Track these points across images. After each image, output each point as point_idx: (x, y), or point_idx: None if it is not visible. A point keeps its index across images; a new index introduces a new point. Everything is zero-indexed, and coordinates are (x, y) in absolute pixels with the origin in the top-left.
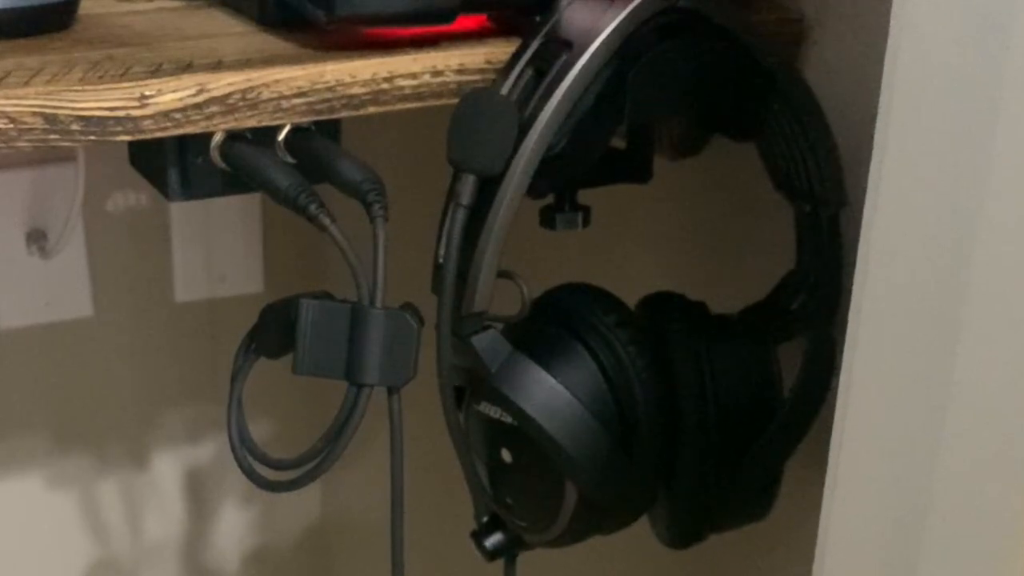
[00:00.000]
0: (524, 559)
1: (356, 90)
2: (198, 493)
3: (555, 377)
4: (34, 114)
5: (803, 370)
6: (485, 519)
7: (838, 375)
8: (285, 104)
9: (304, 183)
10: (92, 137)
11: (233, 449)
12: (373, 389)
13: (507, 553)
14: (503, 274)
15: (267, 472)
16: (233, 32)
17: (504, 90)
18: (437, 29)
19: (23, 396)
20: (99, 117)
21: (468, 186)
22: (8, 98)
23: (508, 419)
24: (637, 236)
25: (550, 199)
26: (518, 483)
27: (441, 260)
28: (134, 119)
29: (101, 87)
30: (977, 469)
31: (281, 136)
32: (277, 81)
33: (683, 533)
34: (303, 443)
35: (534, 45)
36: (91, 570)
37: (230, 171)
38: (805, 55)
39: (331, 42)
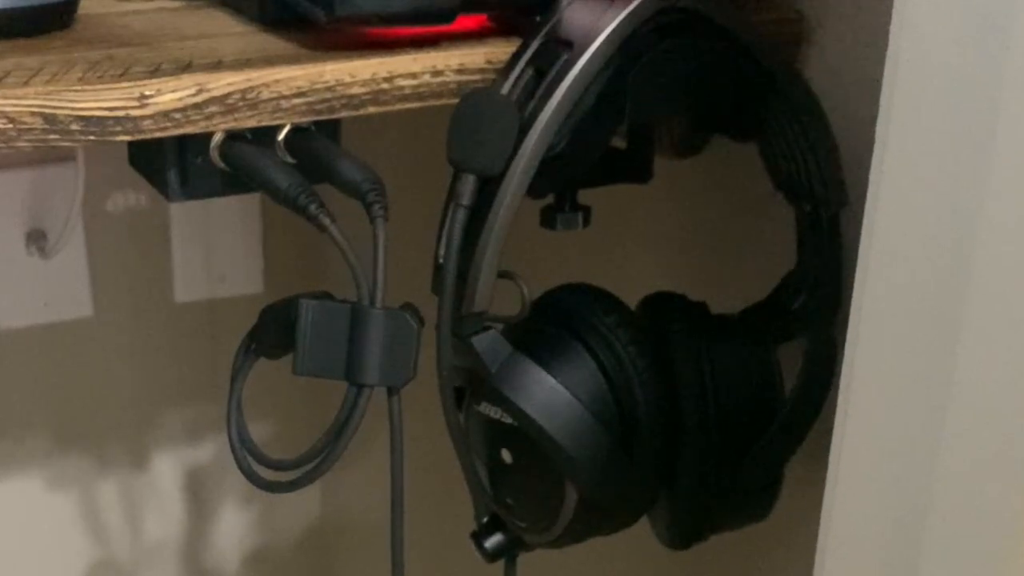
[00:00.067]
0: (524, 560)
1: (356, 90)
2: (198, 493)
3: (555, 377)
4: (33, 114)
5: (804, 370)
6: (485, 520)
7: (839, 375)
8: (285, 104)
9: (304, 183)
10: (92, 137)
11: (233, 450)
12: (373, 389)
13: (507, 554)
14: (503, 274)
15: (267, 473)
16: (233, 32)
17: (504, 90)
18: (437, 29)
19: (23, 396)
20: (99, 117)
21: (468, 186)
22: (7, 98)
23: (508, 419)
24: (637, 236)
25: (550, 199)
26: (518, 484)
27: (441, 260)
28: (134, 119)
29: (101, 87)
30: (977, 469)
31: (281, 136)
32: (277, 81)
33: (683, 533)
34: (303, 444)
35: (534, 45)
36: (91, 570)
37: (230, 171)
38: (805, 55)
39: (331, 42)
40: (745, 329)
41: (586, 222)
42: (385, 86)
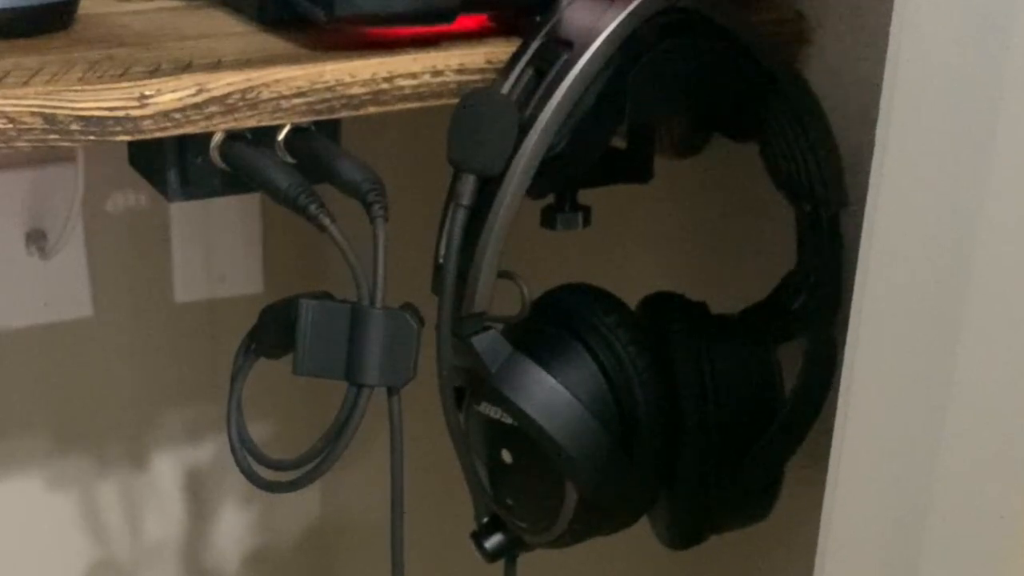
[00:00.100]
0: (524, 560)
1: (356, 90)
2: (198, 493)
3: (555, 377)
4: (33, 114)
5: (804, 370)
6: (485, 520)
7: (839, 375)
8: (285, 104)
9: (304, 183)
10: (91, 137)
11: (233, 450)
12: (373, 390)
13: (507, 554)
14: (503, 274)
15: (267, 473)
16: (233, 32)
17: (504, 90)
18: (437, 29)
19: (22, 396)
20: (98, 117)
21: (468, 186)
22: (7, 98)
23: (508, 420)
24: (638, 236)
25: (550, 199)
26: (518, 484)
27: (441, 260)
28: (133, 119)
29: (100, 87)
30: (977, 469)
31: (281, 136)
32: (277, 81)
33: (683, 533)
34: (303, 444)
35: (534, 45)
36: (91, 570)
37: (230, 171)
38: (805, 55)
39: (331, 42)
40: (745, 329)
41: (586, 222)
42: (385, 86)
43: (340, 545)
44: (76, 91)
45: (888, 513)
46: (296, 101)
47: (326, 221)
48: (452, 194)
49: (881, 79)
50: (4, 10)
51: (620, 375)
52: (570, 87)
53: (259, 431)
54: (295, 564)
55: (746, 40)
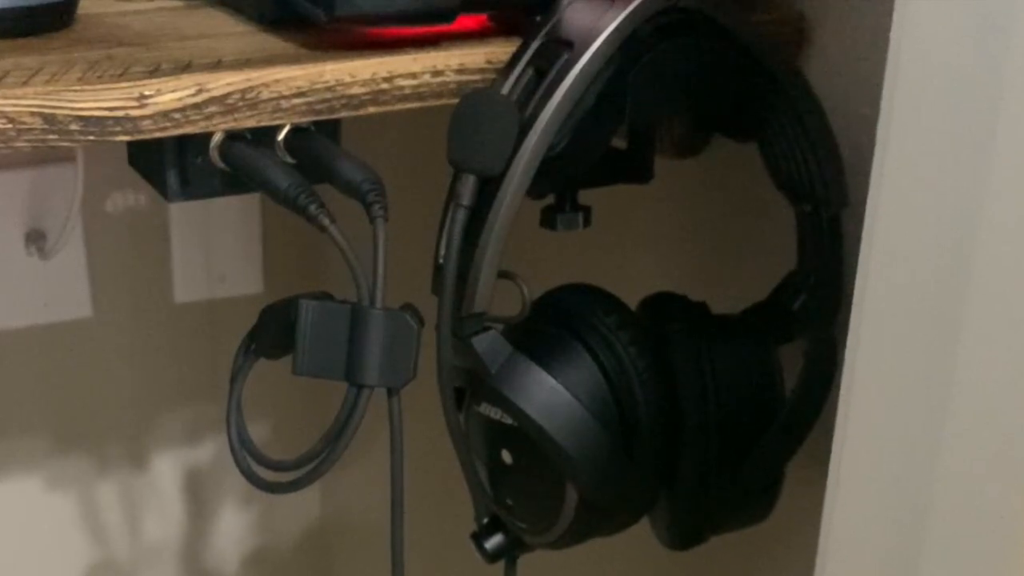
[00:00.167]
0: (524, 560)
1: (356, 90)
2: (197, 494)
3: (556, 378)
4: (33, 114)
5: (804, 371)
6: (485, 520)
7: (839, 376)
8: (284, 104)
9: (304, 183)
10: (91, 137)
11: (232, 450)
12: (373, 390)
13: (507, 554)
14: (503, 274)
15: (266, 473)
16: (232, 32)
17: (504, 90)
18: (437, 29)
19: (22, 397)
20: (98, 117)
21: (468, 186)
22: (7, 98)
23: (508, 420)
24: (638, 236)
25: (551, 199)
26: (518, 484)
27: (441, 261)
28: (133, 119)
29: (100, 87)
30: (978, 469)
31: (281, 136)
32: (276, 81)
33: (684, 534)
34: (303, 444)
35: (535, 45)
36: (90, 571)
37: (229, 171)
38: (806, 55)
39: (331, 42)
40: (746, 329)
41: (586, 222)
42: (385, 86)
43: (340, 545)
44: (76, 91)
45: (889, 513)
46: (296, 101)
47: (326, 221)
48: (452, 194)
49: (881, 79)
50: (4, 10)
51: (620, 375)
52: (570, 87)
53: (259, 431)
54: (295, 564)
55: (746, 40)
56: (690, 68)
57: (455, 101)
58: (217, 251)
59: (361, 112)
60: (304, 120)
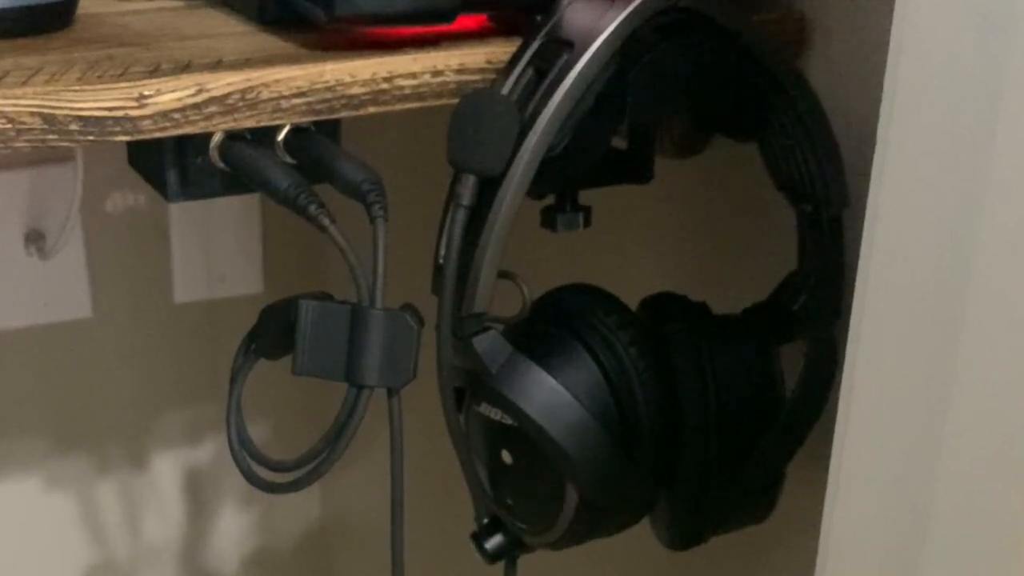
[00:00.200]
0: (524, 561)
1: (356, 90)
2: (197, 494)
3: (556, 378)
4: (32, 114)
5: (805, 371)
6: (485, 521)
7: (840, 376)
8: (284, 104)
9: (304, 183)
10: (91, 137)
11: (232, 450)
12: (373, 390)
13: (507, 555)
14: (504, 275)
15: (266, 474)
16: (232, 32)
17: (504, 90)
18: (437, 29)
19: (22, 397)
20: (97, 117)
21: (468, 186)
22: (6, 98)
23: (508, 420)
24: (638, 237)
25: (551, 199)
26: (518, 485)
27: (441, 261)
28: (133, 119)
29: (100, 87)
30: (978, 469)
31: (281, 136)
32: (276, 81)
33: (684, 534)
34: (303, 444)
35: (535, 45)
36: (90, 571)
37: (229, 171)
38: (806, 55)
39: (331, 42)
40: (746, 330)
41: (587, 222)
42: (385, 86)
43: (340, 546)
44: (75, 91)
45: (889, 513)
46: (296, 101)
47: (326, 221)
48: (452, 194)
49: (882, 79)
50: (4, 10)
51: (621, 376)
52: (570, 87)
53: (259, 432)
54: (295, 565)
55: (747, 40)
56: (690, 68)
57: (455, 101)
58: (217, 251)
59: (361, 112)
60: (304, 120)
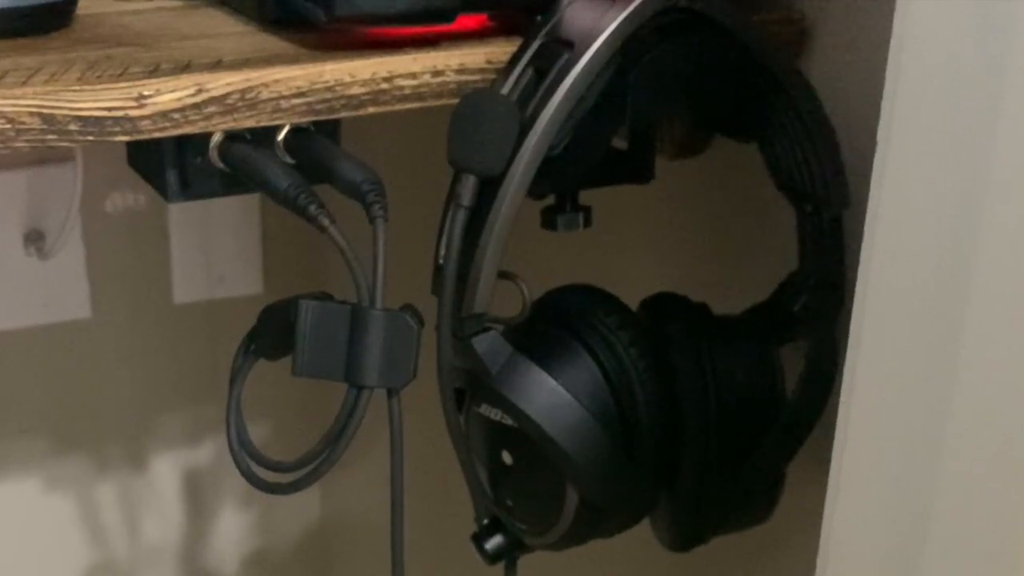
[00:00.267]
0: (525, 562)
1: (355, 90)
2: (197, 495)
3: (556, 379)
4: (32, 114)
5: (805, 371)
6: (485, 521)
7: (840, 376)
8: (284, 104)
9: (303, 183)
10: (90, 137)
11: (232, 451)
12: (373, 391)
13: (508, 556)
14: (504, 275)
15: (266, 474)
16: (232, 32)
17: (505, 90)
18: (437, 29)
19: (22, 397)
20: (97, 117)
21: (468, 187)
22: (6, 98)
23: (509, 421)
24: (639, 237)
25: (551, 200)
26: (519, 485)
27: (441, 261)
28: (132, 119)
29: (99, 87)
30: (978, 469)
31: (280, 136)
32: (276, 81)
33: (684, 535)
34: (302, 445)
35: (535, 45)
36: (90, 572)
37: (229, 172)
38: (807, 55)
39: (330, 42)
40: (747, 330)
41: (587, 223)
42: (385, 86)
43: (340, 546)
44: (75, 91)
45: (889, 513)
46: (295, 101)
47: (326, 222)
48: (452, 195)
49: (882, 79)
50: (3, 10)
51: (621, 376)
52: (571, 87)
53: (259, 432)
54: (295, 565)
55: (747, 40)
56: (690, 68)
57: (455, 101)
58: (217, 251)
59: (361, 112)
60: (304, 120)
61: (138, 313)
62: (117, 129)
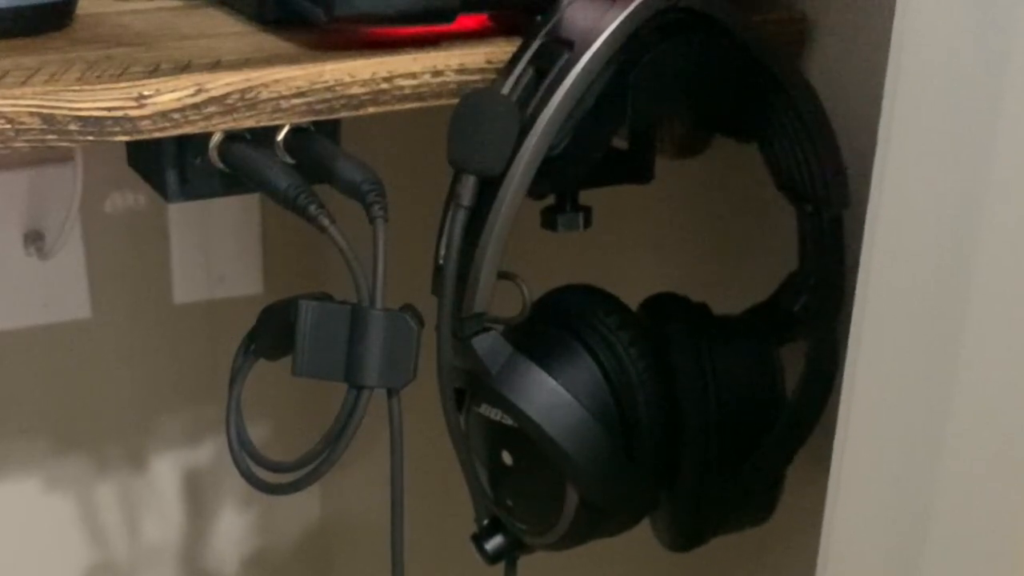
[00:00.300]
0: (525, 562)
1: (355, 90)
2: (197, 495)
3: (556, 379)
4: (32, 114)
5: (806, 372)
6: (486, 522)
7: (841, 376)
8: (284, 104)
9: (303, 184)
10: (90, 137)
11: (232, 451)
12: (373, 391)
13: (508, 556)
14: (504, 275)
15: (266, 474)
16: (232, 32)
17: (505, 90)
18: (437, 29)
19: (22, 397)
20: (97, 117)
21: (468, 187)
22: (5, 98)
23: (509, 421)
24: (639, 237)
25: (551, 200)
26: (519, 485)
27: (441, 261)
28: (132, 119)
29: (99, 87)
30: (978, 469)
31: (280, 136)
32: (276, 81)
33: (685, 535)
34: (302, 445)
35: (535, 45)
36: (89, 572)
37: (229, 172)
38: (807, 55)
39: (330, 42)
40: (747, 330)
41: (587, 223)
42: (385, 86)
43: (340, 548)
44: (74, 91)
45: (889, 513)
46: (295, 101)
47: (325, 222)
48: (452, 195)
49: (882, 79)
50: (3, 10)
51: (621, 376)
52: (571, 87)
53: (258, 432)
54: (295, 566)
55: (747, 40)
56: (690, 68)
57: (455, 101)
58: (216, 252)
59: (361, 112)
60: (304, 120)
61: (138, 313)
62: (117, 129)
